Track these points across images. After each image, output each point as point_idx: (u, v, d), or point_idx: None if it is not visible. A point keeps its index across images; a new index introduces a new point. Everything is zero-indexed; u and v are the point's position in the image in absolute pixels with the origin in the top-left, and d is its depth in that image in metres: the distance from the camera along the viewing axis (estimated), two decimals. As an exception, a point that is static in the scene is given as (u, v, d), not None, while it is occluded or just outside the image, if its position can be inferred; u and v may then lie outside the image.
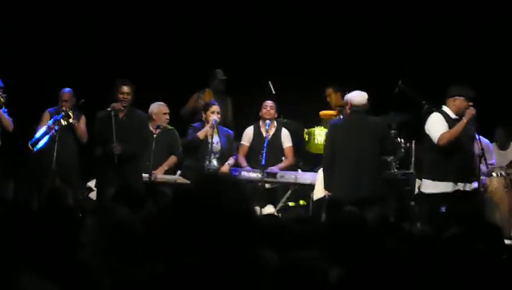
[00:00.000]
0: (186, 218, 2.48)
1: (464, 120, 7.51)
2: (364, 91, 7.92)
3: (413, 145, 9.22)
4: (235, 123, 9.73)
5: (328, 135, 8.14)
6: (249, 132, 9.32)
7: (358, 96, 7.83)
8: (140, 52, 10.78)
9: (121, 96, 8.40)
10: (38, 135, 8.74)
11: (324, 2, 10.90)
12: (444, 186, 7.57)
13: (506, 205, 8.69)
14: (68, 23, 10.76)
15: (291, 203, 9.20)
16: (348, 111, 7.91)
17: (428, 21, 10.59)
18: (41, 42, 10.56)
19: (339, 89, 9.76)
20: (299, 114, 9.94)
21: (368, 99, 7.86)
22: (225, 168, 8.91)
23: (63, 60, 10.56)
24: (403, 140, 9.29)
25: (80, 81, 9.43)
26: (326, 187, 7.92)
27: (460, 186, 7.56)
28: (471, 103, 7.57)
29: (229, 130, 9.11)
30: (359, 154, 7.72)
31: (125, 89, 8.42)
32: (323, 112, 9.77)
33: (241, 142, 9.34)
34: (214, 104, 8.99)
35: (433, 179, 7.64)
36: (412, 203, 9.09)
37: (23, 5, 10.53)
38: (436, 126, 7.64)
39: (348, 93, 8.00)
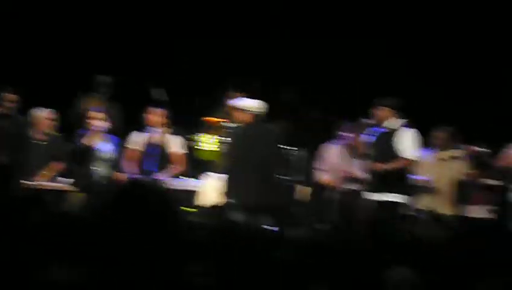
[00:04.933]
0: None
1: None
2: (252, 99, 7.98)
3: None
4: (123, 129, 9.62)
5: (231, 142, 8.12)
6: (136, 138, 9.22)
7: (258, 105, 7.89)
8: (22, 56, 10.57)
9: (6, 104, 8.19)
10: None
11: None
12: None
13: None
14: None
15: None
16: (247, 119, 7.90)
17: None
18: None
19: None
20: (187, 121, 9.92)
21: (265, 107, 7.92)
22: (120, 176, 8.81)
23: None
24: (291, 147, 9.43)
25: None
26: (226, 193, 7.93)
27: None
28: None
29: (114, 137, 8.98)
30: (259, 161, 7.76)
31: (10, 97, 8.23)
32: (209, 119, 9.79)
33: (127, 148, 9.18)
34: (94, 111, 8.90)
35: None
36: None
37: None
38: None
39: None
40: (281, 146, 8.31)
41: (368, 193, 7.66)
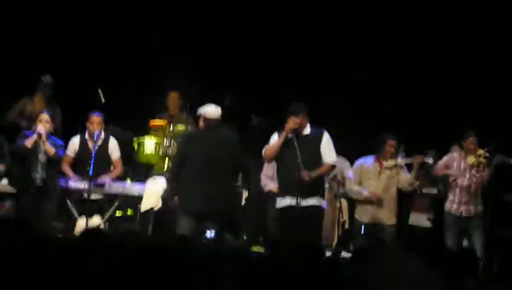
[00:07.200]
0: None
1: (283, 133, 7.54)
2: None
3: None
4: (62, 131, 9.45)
5: (180, 146, 7.97)
6: (75, 142, 9.07)
7: (212, 110, 7.72)
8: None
9: None
10: None
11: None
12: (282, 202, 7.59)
13: (329, 217, 8.87)
14: None
15: (118, 213, 9.08)
16: (202, 124, 7.79)
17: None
18: None
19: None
20: (128, 122, 9.79)
21: (221, 114, 7.77)
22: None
23: None
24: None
25: None
26: (173, 195, 7.76)
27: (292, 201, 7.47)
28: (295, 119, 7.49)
29: (58, 140, 8.80)
30: (212, 167, 7.61)
31: None
32: (153, 122, 9.66)
33: (66, 152, 9.02)
34: (42, 113, 8.71)
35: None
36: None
37: None
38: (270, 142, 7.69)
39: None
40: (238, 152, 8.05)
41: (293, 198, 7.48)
